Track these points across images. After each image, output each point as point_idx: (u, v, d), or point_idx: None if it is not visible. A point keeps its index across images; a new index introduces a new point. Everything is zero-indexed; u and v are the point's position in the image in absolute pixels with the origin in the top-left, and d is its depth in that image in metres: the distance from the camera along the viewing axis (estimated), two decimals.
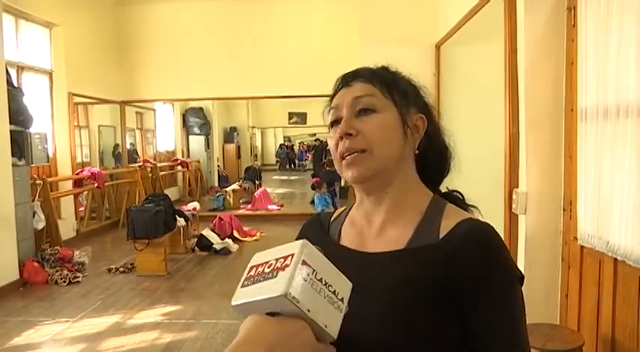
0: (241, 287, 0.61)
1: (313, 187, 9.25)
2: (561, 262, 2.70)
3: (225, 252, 6.46)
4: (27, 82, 6.62)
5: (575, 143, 2.54)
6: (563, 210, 2.69)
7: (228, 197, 10.58)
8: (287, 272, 0.57)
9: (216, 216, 7.31)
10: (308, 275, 0.58)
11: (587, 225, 2.41)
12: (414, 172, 0.87)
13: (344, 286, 0.62)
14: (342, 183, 9.48)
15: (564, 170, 2.68)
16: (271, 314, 0.58)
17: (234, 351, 0.55)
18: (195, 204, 7.65)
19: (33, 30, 6.90)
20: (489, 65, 3.54)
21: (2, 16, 5.38)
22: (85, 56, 7.72)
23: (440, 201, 0.86)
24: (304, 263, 0.58)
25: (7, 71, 5.38)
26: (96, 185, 7.68)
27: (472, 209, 0.91)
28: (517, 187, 2.82)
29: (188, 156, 13.24)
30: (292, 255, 0.59)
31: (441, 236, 0.78)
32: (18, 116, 5.42)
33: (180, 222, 6.22)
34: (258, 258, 0.64)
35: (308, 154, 22.19)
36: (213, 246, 6.51)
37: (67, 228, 6.99)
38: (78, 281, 5.25)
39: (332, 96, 0.88)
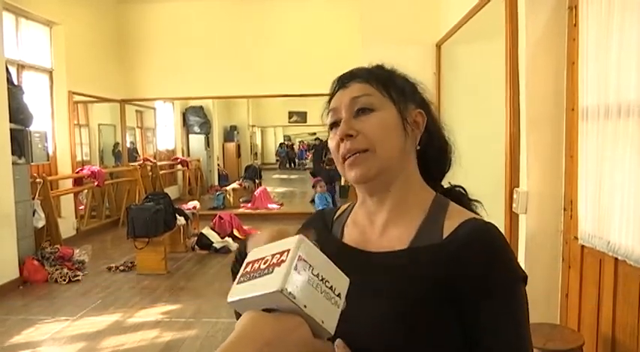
0: (237, 283, 0.60)
1: (314, 186, 9.26)
2: (562, 262, 2.70)
3: (225, 250, 6.46)
4: (27, 81, 6.62)
5: (575, 143, 2.54)
6: (564, 209, 2.69)
7: (228, 196, 10.58)
8: (283, 268, 0.57)
9: (216, 215, 7.31)
10: (304, 270, 0.57)
11: (587, 225, 2.41)
12: (416, 170, 0.87)
13: (341, 281, 0.61)
14: (342, 182, 9.48)
15: (565, 169, 2.67)
16: (268, 310, 0.57)
17: (230, 348, 0.54)
18: (195, 203, 7.64)
19: (33, 28, 6.89)
20: (490, 64, 3.54)
21: (2, 15, 5.38)
22: (85, 55, 7.72)
23: (443, 200, 0.85)
24: (300, 258, 0.58)
25: (7, 69, 5.37)
26: (96, 183, 7.68)
27: (475, 204, 0.91)
28: (518, 187, 2.81)
29: (188, 155, 13.24)
30: (288, 251, 0.58)
31: (445, 236, 0.78)
32: (18, 114, 5.42)
33: (181, 220, 6.21)
34: (254, 254, 0.63)
35: (308, 153, 22.20)
36: (213, 244, 6.51)
37: (67, 226, 6.99)
38: (78, 280, 5.25)
39: (329, 99, 0.88)
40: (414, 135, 0.85)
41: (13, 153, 5.29)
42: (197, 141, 13.66)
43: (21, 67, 6.54)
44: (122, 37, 8.83)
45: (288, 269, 0.56)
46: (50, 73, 7.23)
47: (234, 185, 11.42)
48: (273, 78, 8.55)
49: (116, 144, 9.88)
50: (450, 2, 4.46)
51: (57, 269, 5.33)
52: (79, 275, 5.34)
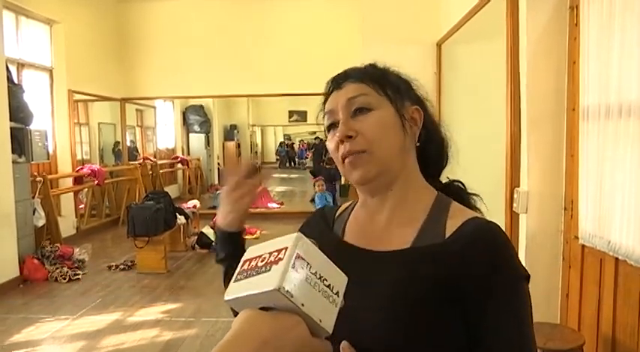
0: (234, 281, 0.60)
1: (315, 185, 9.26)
2: (562, 261, 2.70)
3: None
4: (27, 79, 6.62)
5: (576, 142, 2.54)
6: (565, 209, 2.69)
7: None
8: (280, 266, 0.56)
9: (216, 214, 7.30)
10: (302, 268, 0.57)
11: (588, 225, 2.41)
12: (417, 167, 0.87)
13: (339, 280, 0.61)
14: (343, 181, 9.48)
15: (565, 169, 2.67)
16: (265, 308, 0.56)
17: (226, 346, 0.54)
18: (196, 202, 7.64)
19: (33, 27, 6.89)
20: (491, 64, 3.53)
21: (2, 13, 5.38)
22: (85, 53, 7.71)
23: (445, 199, 0.85)
24: (298, 256, 0.57)
25: (7, 68, 5.37)
26: (96, 182, 7.68)
27: (474, 198, 0.90)
28: (518, 186, 2.81)
29: (188, 154, 13.24)
30: (286, 249, 0.58)
31: (447, 235, 0.78)
32: (18, 113, 5.42)
33: (181, 219, 6.22)
34: (251, 252, 0.63)
35: (308, 152, 22.19)
36: (214, 243, 6.50)
37: (67, 225, 6.99)
38: (78, 279, 5.25)
39: (324, 100, 0.88)
40: (412, 132, 0.85)
41: (13, 152, 5.28)
42: (197, 140, 13.65)
43: (21, 65, 6.54)
44: (122, 36, 8.82)
45: (285, 267, 0.56)
46: (50, 71, 7.22)
47: None
48: (274, 77, 8.54)
49: (116, 143, 9.88)
50: (450, 1, 4.46)
51: (57, 268, 5.33)
52: (79, 274, 5.34)
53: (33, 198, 5.78)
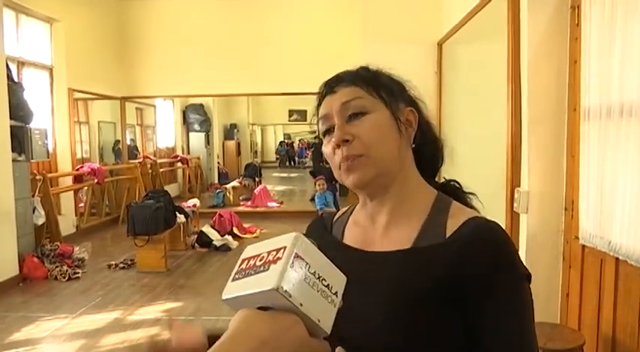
0: (232, 280, 0.59)
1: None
2: (562, 261, 2.70)
3: (225, 248, 6.46)
4: (27, 78, 6.61)
5: (577, 142, 2.53)
6: (565, 209, 2.68)
7: (228, 194, 10.58)
8: (279, 265, 0.55)
9: (216, 213, 7.31)
10: (301, 268, 0.56)
11: (588, 225, 2.41)
12: (415, 169, 0.86)
13: (338, 280, 0.60)
14: None
15: (566, 169, 2.67)
16: (263, 308, 0.56)
17: (223, 346, 0.53)
18: (195, 201, 7.64)
19: (33, 25, 6.88)
20: (492, 63, 3.53)
21: (3, 11, 5.37)
22: (85, 52, 7.70)
23: (445, 199, 0.85)
24: (297, 256, 0.57)
25: (7, 66, 5.36)
26: (96, 181, 7.68)
27: (470, 196, 0.90)
28: (519, 186, 2.81)
29: (188, 153, 13.24)
30: (285, 248, 0.57)
31: (448, 235, 0.77)
32: (18, 111, 5.41)
33: (181, 218, 6.21)
34: (250, 251, 0.62)
35: (308, 151, 22.19)
36: (213, 242, 6.51)
37: (67, 223, 6.99)
38: (78, 277, 5.25)
39: (317, 105, 0.87)
40: (408, 134, 0.84)
41: (13, 150, 5.28)
42: (197, 138, 13.65)
43: (21, 63, 6.53)
44: (122, 35, 8.81)
45: (284, 266, 0.55)
46: (50, 69, 7.22)
47: (234, 183, 11.43)
48: (274, 76, 8.54)
49: (116, 142, 9.88)
50: (451, 1, 4.46)
51: (57, 267, 5.33)
52: (78, 273, 5.34)
53: (33, 196, 5.78)
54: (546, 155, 2.70)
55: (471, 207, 0.88)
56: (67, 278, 5.18)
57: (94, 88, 8.10)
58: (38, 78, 7.00)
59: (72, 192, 7.36)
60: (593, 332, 2.39)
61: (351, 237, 0.89)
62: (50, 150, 6.72)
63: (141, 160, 9.82)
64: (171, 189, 9.87)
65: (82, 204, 7.81)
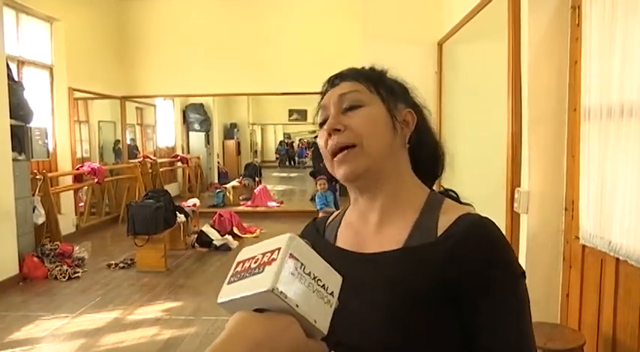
0: (227, 283, 0.59)
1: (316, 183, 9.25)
2: (563, 261, 2.70)
3: (225, 248, 6.46)
4: (27, 77, 6.61)
5: (577, 142, 2.53)
6: (565, 209, 2.68)
7: (228, 193, 10.58)
8: (274, 266, 0.55)
9: (216, 213, 7.31)
10: (296, 269, 0.56)
11: (589, 225, 2.41)
12: (408, 168, 0.86)
13: (334, 280, 0.60)
14: None
15: (567, 169, 2.67)
16: (259, 310, 0.56)
17: (219, 347, 0.53)
18: (195, 201, 7.64)
19: (34, 24, 6.88)
20: (492, 63, 3.53)
21: (3, 10, 5.37)
22: (85, 51, 7.70)
23: (437, 196, 0.84)
24: (291, 256, 0.56)
25: (7, 65, 5.36)
26: (96, 180, 7.68)
27: (467, 207, 0.89)
28: (519, 186, 2.81)
29: (188, 153, 13.24)
30: (279, 249, 0.57)
31: (440, 233, 0.77)
32: (18, 111, 5.41)
33: (181, 218, 6.21)
34: (245, 254, 0.62)
35: (308, 151, 22.20)
36: (213, 242, 6.51)
37: (67, 223, 6.99)
38: (77, 277, 5.25)
39: (320, 99, 0.88)
40: (403, 134, 0.84)
41: (13, 150, 5.28)
42: (197, 138, 13.65)
43: (21, 63, 6.53)
44: (123, 34, 8.81)
45: (279, 267, 0.55)
46: (50, 69, 7.22)
47: (234, 183, 11.43)
48: (274, 75, 8.54)
49: (116, 141, 9.88)
50: (452, 1, 4.45)
51: (57, 266, 5.33)
52: (78, 272, 5.34)
53: (33, 195, 5.78)
54: (547, 155, 2.70)
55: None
56: (66, 277, 5.18)
57: (94, 88, 8.10)
58: (38, 77, 7.00)
59: (72, 191, 7.36)
60: (594, 333, 2.39)
61: (344, 239, 0.88)
62: (50, 149, 6.71)
63: (141, 160, 9.82)
64: (171, 189, 9.86)
65: (82, 204, 7.81)
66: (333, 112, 0.83)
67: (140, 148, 10.87)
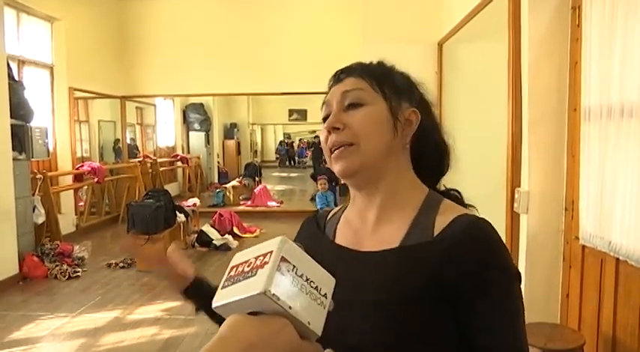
0: (221, 288, 0.59)
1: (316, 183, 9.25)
2: (562, 262, 2.70)
3: (225, 248, 6.45)
4: (28, 76, 6.61)
5: (577, 142, 2.54)
6: (565, 209, 2.69)
7: (227, 193, 10.58)
8: (266, 269, 0.56)
9: (216, 212, 7.31)
10: (288, 271, 0.56)
11: (589, 225, 2.41)
12: (408, 167, 0.86)
13: (327, 281, 0.60)
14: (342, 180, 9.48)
15: (567, 169, 2.67)
16: (254, 313, 0.56)
17: (211, 350, 0.53)
18: (195, 200, 7.65)
19: (34, 24, 6.88)
20: (492, 63, 3.53)
21: (4, 10, 5.37)
22: (86, 51, 7.70)
23: (435, 197, 0.84)
24: (284, 259, 0.57)
25: (8, 65, 5.36)
26: (96, 180, 7.68)
27: (470, 208, 0.89)
28: (519, 186, 2.81)
29: (188, 152, 13.24)
30: (271, 252, 0.57)
31: (436, 233, 0.77)
32: (19, 110, 5.41)
33: (181, 217, 6.22)
34: (238, 258, 0.62)
35: (308, 151, 22.19)
36: (213, 242, 6.51)
37: (67, 222, 6.99)
38: (77, 276, 5.25)
39: (326, 93, 0.88)
40: (404, 134, 0.84)
41: (13, 149, 5.28)
42: (197, 138, 13.65)
43: (22, 62, 6.53)
44: (123, 34, 8.81)
45: (271, 270, 0.55)
46: (51, 68, 7.22)
47: (234, 182, 11.43)
48: (274, 75, 8.54)
49: (116, 141, 9.88)
50: (452, 1, 4.46)
51: (57, 266, 5.33)
52: (78, 272, 5.34)
53: (33, 195, 5.78)
54: (547, 155, 2.71)
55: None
56: (66, 277, 5.18)
57: (95, 87, 8.10)
58: (39, 77, 7.00)
59: (72, 190, 7.36)
60: (594, 333, 2.40)
61: (343, 236, 0.89)
62: (50, 148, 6.72)
63: (141, 159, 9.83)
64: (171, 189, 9.86)
65: (82, 203, 7.81)
66: (334, 109, 0.83)
67: (140, 148, 10.88)
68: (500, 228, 2.85)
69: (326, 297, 0.59)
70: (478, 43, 4.22)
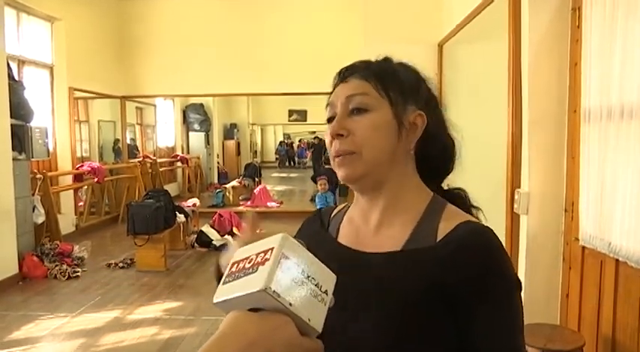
0: (222, 284, 0.59)
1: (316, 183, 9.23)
2: (562, 263, 2.70)
3: (225, 248, 6.43)
4: (28, 76, 6.61)
5: (577, 144, 2.54)
6: (565, 210, 2.69)
7: (227, 193, 10.58)
8: (267, 266, 0.56)
9: (215, 213, 7.31)
10: (289, 268, 0.57)
11: (588, 226, 2.41)
12: (412, 171, 0.85)
13: (328, 278, 0.60)
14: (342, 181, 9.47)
15: (566, 171, 2.67)
16: (254, 310, 0.56)
17: (212, 347, 0.53)
18: (195, 200, 7.64)
19: (34, 24, 6.89)
20: (492, 65, 3.53)
21: (4, 10, 5.37)
22: (86, 51, 7.71)
23: (439, 201, 0.84)
24: (284, 256, 0.57)
25: (8, 65, 5.36)
26: (96, 180, 7.68)
27: (474, 210, 0.89)
28: (519, 187, 2.81)
29: (188, 153, 13.24)
30: (272, 249, 0.57)
31: (439, 238, 0.77)
32: (19, 110, 5.42)
33: (180, 218, 6.21)
34: (239, 254, 0.62)
35: (307, 152, 22.17)
36: (213, 242, 6.51)
37: (67, 222, 6.99)
38: (77, 276, 5.25)
39: (331, 92, 0.87)
40: (408, 139, 0.82)
41: (13, 149, 5.28)
42: (197, 138, 13.65)
43: (22, 62, 6.53)
44: (123, 34, 8.82)
45: (272, 267, 0.55)
46: (51, 68, 7.22)
47: (234, 183, 11.43)
48: (274, 76, 8.54)
49: (116, 141, 9.88)
50: (452, 2, 4.46)
51: (56, 266, 5.33)
52: (78, 272, 5.34)
53: (33, 195, 5.78)
54: (547, 156, 2.71)
55: (472, 216, 0.86)
56: (66, 277, 5.18)
57: (95, 87, 8.10)
58: (39, 76, 7.01)
59: (72, 190, 7.36)
60: (593, 334, 2.40)
61: (345, 235, 0.89)
62: (50, 148, 6.72)
63: (141, 159, 9.82)
64: (171, 189, 9.86)
65: (81, 203, 7.81)
66: (338, 115, 0.82)
67: (140, 148, 10.87)
68: (501, 229, 2.85)
69: (327, 294, 0.59)
70: (478, 44, 4.22)
